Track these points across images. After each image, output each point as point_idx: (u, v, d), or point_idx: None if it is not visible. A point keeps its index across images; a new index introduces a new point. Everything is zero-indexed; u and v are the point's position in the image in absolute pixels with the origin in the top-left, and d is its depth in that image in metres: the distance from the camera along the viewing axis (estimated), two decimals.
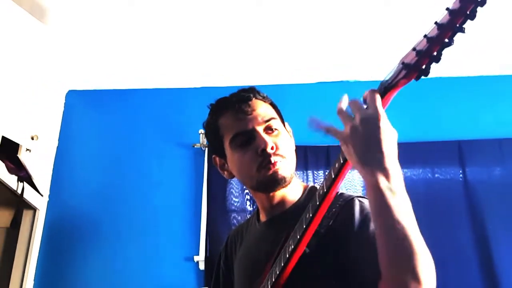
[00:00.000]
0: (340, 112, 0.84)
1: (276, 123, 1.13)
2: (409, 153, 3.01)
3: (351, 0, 2.60)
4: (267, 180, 1.09)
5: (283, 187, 1.11)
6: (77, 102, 3.36)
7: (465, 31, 0.65)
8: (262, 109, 1.13)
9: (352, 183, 2.99)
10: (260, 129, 1.10)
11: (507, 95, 3.20)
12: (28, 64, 2.50)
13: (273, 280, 0.97)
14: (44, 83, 2.68)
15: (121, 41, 2.91)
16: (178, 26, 2.77)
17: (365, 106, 0.80)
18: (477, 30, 2.77)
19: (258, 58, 3.09)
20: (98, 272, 2.89)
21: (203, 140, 3.11)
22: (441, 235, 2.74)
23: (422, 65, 0.68)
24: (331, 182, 0.85)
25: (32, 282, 2.84)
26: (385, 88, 0.75)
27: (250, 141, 1.10)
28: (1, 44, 2.33)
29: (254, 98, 1.14)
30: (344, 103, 0.85)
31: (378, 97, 0.78)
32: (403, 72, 0.70)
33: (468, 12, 0.64)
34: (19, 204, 2.76)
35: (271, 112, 1.15)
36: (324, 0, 2.60)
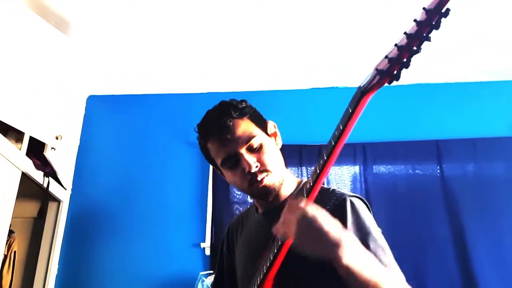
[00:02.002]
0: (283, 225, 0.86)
1: (256, 140, 1.10)
2: (392, 151, 3.02)
3: (341, 11, 2.60)
4: (259, 193, 1.11)
5: (277, 193, 1.12)
6: (97, 105, 3.36)
7: (431, 39, 0.66)
8: (241, 130, 1.10)
9: (341, 178, 3.00)
10: (243, 151, 1.08)
11: (480, 99, 3.20)
12: (53, 72, 2.50)
13: (268, 265, 0.97)
14: (68, 89, 2.68)
15: (135, 51, 2.91)
16: (185, 41, 2.77)
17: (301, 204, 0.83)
18: (453, 40, 2.78)
19: (257, 66, 3.08)
20: (114, 257, 2.89)
21: None
22: (420, 224, 2.74)
23: (394, 71, 0.68)
24: (316, 176, 0.85)
25: (57, 266, 2.84)
26: (362, 92, 0.74)
27: (237, 163, 1.09)
28: (30, 55, 2.33)
29: (232, 120, 1.11)
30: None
31: (299, 201, 0.82)
32: (377, 78, 0.70)
33: (433, 23, 0.64)
34: (45, 197, 2.77)
35: (251, 129, 1.12)
36: (316, 11, 2.59)
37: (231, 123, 1.10)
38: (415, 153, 3.00)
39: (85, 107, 3.35)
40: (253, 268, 1.08)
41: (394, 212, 2.77)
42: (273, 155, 1.12)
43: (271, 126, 1.19)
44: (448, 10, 0.63)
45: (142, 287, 2.64)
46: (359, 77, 2.91)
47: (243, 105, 1.15)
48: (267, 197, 1.12)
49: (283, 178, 1.13)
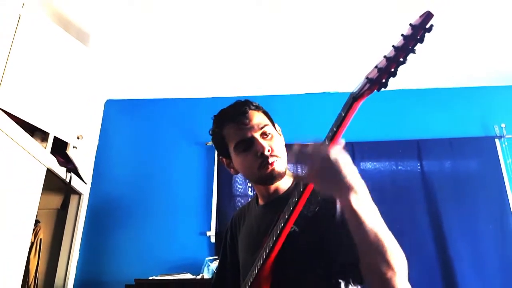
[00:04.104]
0: (298, 159, 0.84)
1: (269, 129, 1.11)
2: (378, 149, 3.03)
3: (332, 22, 2.60)
4: (266, 177, 1.10)
5: (279, 180, 1.11)
6: (114, 109, 3.36)
7: (416, 52, 0.67)
8: (257, 119, 1.12)
9: None
10: (257, 135, 1.09)
11: (456, 103, 3.21)
12: (74, 79, 2.50)
13: (267, 251, 0.97)
14: (88, 94, 2.68)
15: (147, 61, 2.92)
16: (192, 53, 2.78)
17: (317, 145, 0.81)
18: (433, 49, 2.79)
19: (256, 73, 3.09)
20: (129, 244, 2.90)
21: None
22: (402, 214, 2.75)
23: (382, 80, 0.69)
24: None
25: (78, 252, 2.85)
26: (354, 98, 0.74)
27: (250, 147, 1.09)
28: (53, 64, 2.33)
29: (249, 110, 1.13)
30: (297, 149, 0.84)
31: (321, 143, 0.81)
32: (367, 85, 0.71)
33: (418, 37, 0.65)
34: (67, 190, 2.77)
35: (264, 120, 1.13)
36: (309, 22, 2.59)
37: (248, 112, 1.12)
38: (398, 151, 3.00)
39: (103, 110, 3.35)
40: (254, 255, 1.07)
41: (379, 203, 2.74)
42: (281, 145, 1.13)
43: (278, 128, 1.21)
44: (431, 26, 0.65)
45: (154, 271, 2.64)
46: (349, 82, 2.94)
47: (258, 104, 1.18)
48: (272, 182, 1.11)
49: (286, 169, 1.12)
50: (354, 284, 0.99)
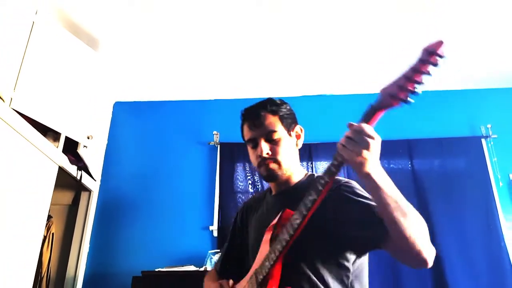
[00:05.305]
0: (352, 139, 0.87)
1: (275, 135, 1.16)
2: None
3: (329, 27, 2.60)
4: (263, 176, 1.19)
5: (279, 180, 1.17)
6: (122, 110, 3.36)
7: (431, 75, 0.72)
8: (267, 122, 1.16)
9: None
10: (262, 138, 1.16)
11: (446, 105, 3.20)
12: (85, 82, 2.50)
13: (284, 244, 0.96)
14: (97, 96, 2.68)
15: (154, 65, 2.92)
16: (196, 57, 2.78)
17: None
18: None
19: (255, 75, 3.09)
20: (137, 238, 2.90)
21: (216, 139, 3.12)
22: None
23: (402, 96, 0.74)
24: (331, 174, 0.90)
25: (88, 245, 2.85)
26: (374, 109, 0.81)
27: (256, 146, 1.17)
28: (65, 68, 2.33)
29: (265, 113, 1.17)
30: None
31: (360, 125, 0.84)
32: (389, 100, 0.76)
33: (432, 62, 0.72)
34: (78, 187, 2.78)
35: (275, 125, 1.17)
36: (306, 26, 2.59)
37: (262, 115, 1.17)
38: (389, 150, 3.00)
39: (112, 111, 3.35)
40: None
41: None
42: (286, 150, 1.17)
43: (298, 129, 1.24)
44: (443, 53, 0.70)
45: (160, 263, 2.64)
46: (346, 85, 2.92)
47: (281, 106, 1.20)
48: (270, 180, 1.19)
49: (289, 169, 1.17)
50: (361, 256, 1.05)
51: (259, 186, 2.95)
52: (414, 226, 0.86)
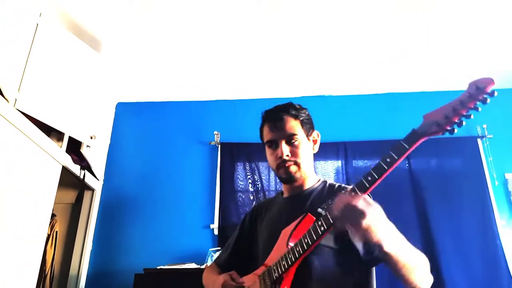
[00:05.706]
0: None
1: (296, 138, 1.17)
2: (368, 148, 3.03)
3: (328, 28, 2.59)
4: (281, 178, 1.19)
5: (296, 183, 1.19)
6: (124, 110, 3.36)
7: (478, 110, 0.73)
8: (289, 126, 1.17)
9: (326, 170, 3.01)
10: (283, 141, 1.17)
11: (441, 105, 3.20)
12: (88, 83, 2.50)
13: (296, 256, 0.99)
14: (100, 97, 2.68)
15: (156, 66, 2.92)
16: (198, 58, 2.78)
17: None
18: (415, 57, 2.77)
19: (255, 76, 3.08)
20: (139, 237, 2.90)
21: (217, 139, 3.12)
22: (391, 209, 2.73)
23: (448, 127, 0.78)
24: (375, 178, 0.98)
25: (91, 243, 2.85)
26: (418, 136, 0.83)
27: (276, 148, 1.17)
28: (68, 69, 2.33)
29: (287, 116, 1.18)
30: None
31: (353, 199, 0.88)
32: (435, 128, 0.79)
33: (480, 98, 0.72)
34: (81, 186, 2.78)
35: (296, 129, 1.18)
36: (305, 28, 2.59)
37: (284, 118, 1.18)
38: (387, 150, 2.99)
39: (115, 112, 3.36)
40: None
41: None
42: (305, 153, 1.18)
43: (315, 134, 1.26)
44: (493, 91, 0.70)
45: (161, 261, 2.64)
46: (345, 86, 2.91)
47: (301, 111, 1.22)
48: (288, 182, 1.19)
49: (306, 172, 1.19)
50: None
51: (259, 185, 2.95)
52: (419, 274, 0.92)
